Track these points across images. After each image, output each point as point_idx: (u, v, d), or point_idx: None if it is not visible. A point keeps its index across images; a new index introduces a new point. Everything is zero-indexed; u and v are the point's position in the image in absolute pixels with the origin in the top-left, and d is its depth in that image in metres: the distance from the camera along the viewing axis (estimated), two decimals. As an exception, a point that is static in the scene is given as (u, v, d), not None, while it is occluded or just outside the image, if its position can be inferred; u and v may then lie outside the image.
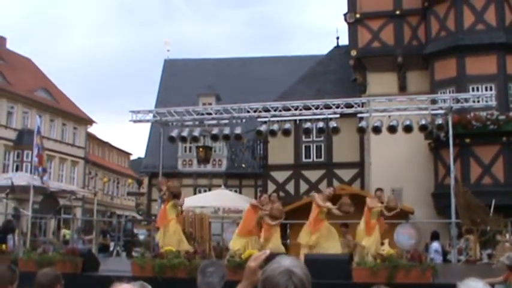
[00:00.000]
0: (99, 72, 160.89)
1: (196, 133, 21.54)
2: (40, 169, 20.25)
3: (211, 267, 4.79)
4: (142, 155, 50.48)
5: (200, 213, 20.29)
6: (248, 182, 41.65)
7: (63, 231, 30.22)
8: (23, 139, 43.33)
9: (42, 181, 20.30)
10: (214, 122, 22.04)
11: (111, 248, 24.86)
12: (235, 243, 15.29)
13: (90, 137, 57.53)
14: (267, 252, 2.92)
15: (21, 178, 25.84)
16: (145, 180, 50.62)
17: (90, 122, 54.92)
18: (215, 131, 21.32)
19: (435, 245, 19.59)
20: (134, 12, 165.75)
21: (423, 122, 19.46)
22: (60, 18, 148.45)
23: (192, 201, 25.82)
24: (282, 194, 28.12)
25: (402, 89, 26.65)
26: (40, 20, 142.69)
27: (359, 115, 20.41)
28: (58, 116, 50.24)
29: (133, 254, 21.22)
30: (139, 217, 55.62)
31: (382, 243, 16.23)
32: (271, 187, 28.85)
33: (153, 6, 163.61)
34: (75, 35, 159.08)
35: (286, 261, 2.56)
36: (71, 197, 32.35)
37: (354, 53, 27.55)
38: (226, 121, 21.78)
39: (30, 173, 23.31)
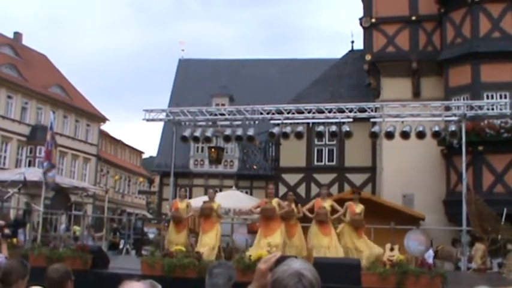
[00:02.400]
0: (114, 71, 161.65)
1: (208, 133, 21.55)
2: (45, 164, 20.28)
3: (219, 269, 4.80)
4: (154, 153, 50.69)
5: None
6: (259, 183, 41.69)
7: (74, 227, 30.35)
8: (36, 135, 43.56)
9: (46, 176, 20.29)
10: (227, 122, 22.02)
11: (121, 246, 24.92)
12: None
13: (103, 135, 57.71)
14: (278, 254, 2.92)
15: (34, 173, 25.97)
16: (157, 179, 50.82)
17: (103, 119, 55.12)
18: (228, 131, 21.32)
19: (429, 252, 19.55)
20: (149, 11, 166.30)
21: (436, 128, 19.38)
22: (76, 15, 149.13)
23: (201, 202, 25.88)
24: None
25: (416, 94, 26.58)
26: (56, 16, 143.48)
27: (372, 120, 20.35)
28: (71, 112, 50.44)
29: (143, 252, 21.30)
30: (149, 216, 55.82)
31: (392, 249, 16.23)
32: (282, 190, 28.84)
33: (168, 6, 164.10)
34: (90, 33, 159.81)
35: (296, 264, 2.57)
36: (82, 194, 32.48)
37: (368, 57, 27.51)
38: (239, 122, 21.77)
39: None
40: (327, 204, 15.89)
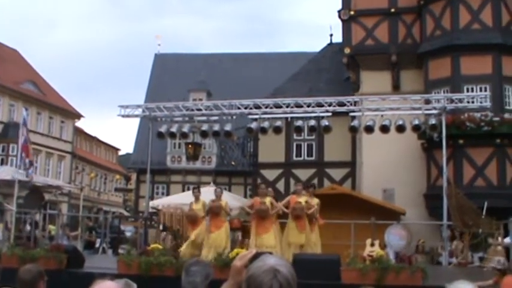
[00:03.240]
0: (89, 66, 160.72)
1: (185, 129, 21.48)
2: (27, 160, 20.15)
3: (195, 266, 4.79)
4: (130, 150, 50.45)
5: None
6: (238, 179, 41.72)
7: (49, 227, 30.13)
8: (9, 132, 43.05)
9: (27, 174, 20.19)
10: (204, 118, 21.98)
11: (97, 245, 24.80)
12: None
13: (78, 131, 57.33)
14: (253, 251, 2.91)
15: (6, 172, 25.76)
16: (134, 176, 50.66)
17: (78, 116, 54.74)
18: (205, 127, 21.27)
19: None
20: (124, 4, 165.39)
21: (416, 122, 19.48)
22: (48, 8, 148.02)
23: (180, 199, 25.82)
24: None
25: (396, 88, 26.68)
26: (28, 10, 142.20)
27: (351, 114, 20.40)
28: (45, 109, 50.03)
29: (120, 251, 21.21)
30: (126, 214, 55.59)
31: (373, 244, 16.30)
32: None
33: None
34: (63, 27, 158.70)
35: (271, 260, 2.56)
36: (56, 192, 32.26)
37: (347, 50, 27.55)
38: (217, 117, 21.74)
39: (15, 167, 23.19)
40: (302, 200, 15.99)
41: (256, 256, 2.74)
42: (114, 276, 3.25)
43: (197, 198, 17.29)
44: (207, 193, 25.39)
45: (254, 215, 16.02)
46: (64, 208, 46.23)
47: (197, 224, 16.76)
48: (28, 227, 25.03)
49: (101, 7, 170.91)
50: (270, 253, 2.81)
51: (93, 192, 60.09)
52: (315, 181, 28.19)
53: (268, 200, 15.99)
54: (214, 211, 16.41)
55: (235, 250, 13.43)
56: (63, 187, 34.78)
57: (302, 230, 15.70)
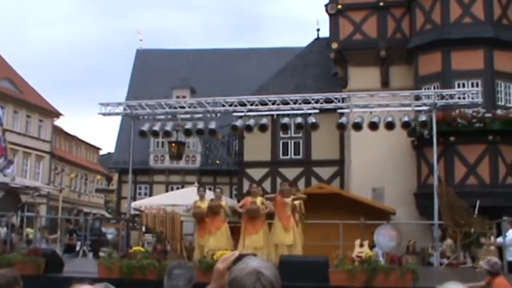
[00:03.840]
0: (68, 63, 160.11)
1: (168, 127, 21.44)
2: (1, 160, 20.01)
3: (178, 270, 4.76)
4: (112, 150, 50.24)
5: (171, 211, 20.23)
6: (223, 179, 41.65)
7: (26, 230, 29.97)
8: (-16, 132, 42.79)
9: (5, 173, 20.05)
10: (188, 116, 21.95)
11: (77, 248, 24.68)
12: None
13: (57, 130, 57.02)
14: (236, 253, 2.89)
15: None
16: (115, 177, 50.45)
17: (56, 114, 54.43)
18: (188, 125, 21.23)
19: None
20: (105, 1, 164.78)
21: (406, 118, 19.52)
22: (26, 4, 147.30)
23: (163, 199, 25.78)
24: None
25: (385, 84, 26.73)
26: (4, 6, 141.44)
27: (339, 111, 20.44)
28: (22, 107, 49.71)
29: (101, 254, 21.12)
30: (108, 215, 55.41)
31: (362, 245, 16.32)
32: (246, 185, 28.82)
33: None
34: (40, 23, 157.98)
35: (254, 262, 2.54)
36: (34, 194, 32.06)
37: (334, 45, 27.57)
38: (201, 115, 21.72)
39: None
40: (289, 199, 16.01)
41: (240, 258, 2.73)
42: (93, 281, 3.22)
43: (202, 197, 17.58)
44: (191, 193, 25.42)
45: (245, 215, 16.06)
46: (42, 210, 45.96)
47: (204, 221, 16.84)
48: (4, 230, 24.87)
49: (80, 2, 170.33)
50: (254, 255, 2.80)
51: (73, 194, 59.82)
52: (303, 180, 28.22)
53: (259, 199, 16.02)
54: (214, 211, 16.50)
55: (219, 252, 13.40)
56: (41, 188, 34.57)
57: (287, 229, 15.68)
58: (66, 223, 28.23)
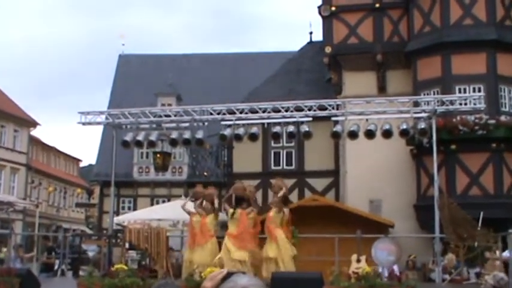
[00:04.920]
0: (45, 69, 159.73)
1: (153, 137, 21.39)
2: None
3: (164, 288, 4.73)
4: (93, 161, 50.16)
5: (157, 226, 20.17)
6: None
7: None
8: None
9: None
10: (174, 125, 21.95)
11: (56, 267, 24.57)
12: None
13: (34, 141, 56.83)
14: (225, 271, 2.89)
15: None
16: (97, 190, 50.23)
17: (33, 123, 54.28)
18: (174, 135, 21.20)
19: None
20: (84, 1, 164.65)
21: (404, 126, 19.52)
22: None
23: (148, 214, 25.74)
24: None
25: (381, 89, 26.79)
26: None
27: (333, 118, 20.42)
28: (-4, 117, 49.60)
29: (81, 273, 21.02)
30: (89, 231, 55.23)
31: (359, 260, 16.30)
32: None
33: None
34: (15, 26, 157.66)
35: (242, 280, 2.54)
36: (8, 210, 31.91)
37: (328, 49, 27.63)
38: (187, 124, 21.71)
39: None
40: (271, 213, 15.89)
41: (228, 276, 2.72)
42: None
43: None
44: (178, 207, 25.38)
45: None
46: (18, 227, 45.75)
47: (195, 233, 16.77)
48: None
49: (56, 2, 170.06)
50: (243, 273, 2.79)
51: (51, 209, 59.61)
52: (296, 192, 28.22)
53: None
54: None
55: (208, 269, 13.36)
56: (16, 203, 34.41)
57: (270, 240, 15.57)
58: (43, 240, 28.15)
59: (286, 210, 15.74)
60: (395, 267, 18.66)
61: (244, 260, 14.69)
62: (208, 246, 15.92)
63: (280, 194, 15.78)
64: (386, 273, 15.93)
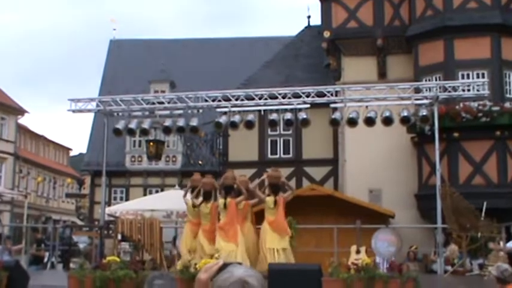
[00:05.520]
0: (33, 54, 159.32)
1: (146, 125, 21.40)
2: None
3: (160, 280, 4.77)
4: (84, 150, 50.07)
5: (150, 217, 20.19)
6: (206, 181, 41.53)
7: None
8: None
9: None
10: (167, 112, 21.94)
11: (46, 260, 24.60)
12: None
13: (21, 129, 56.71)
14: (220, 262, 2.90)
15: None
16: (87, 180, 50.25)
17: (21, 111, 54.15)
18: (168, 122, 21.21)
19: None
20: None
21: (405, 113, 19.56)
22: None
23: (141, 204, 25.74)
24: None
25: (382, 75, 26.78)
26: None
27: (332, 105, 20.44)
28: (-18, 104, 49.48)
29: (71, 265, 21.07)
30: (79, 222, 55.24)
31: (358, 251, 16.34)
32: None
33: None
34: (2, 10, 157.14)
35: (239, 271, 2.55)
36: (-5, 200, 31.91)
37: (327, 34, 27.58)
38: (181, 111, 21.73)
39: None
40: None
41: (224, 267, 2.73)
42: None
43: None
44: (172, 197, 25.41)
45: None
46: (5, 218, 45.77)
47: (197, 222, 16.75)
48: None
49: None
50: (239, 263, 2.80)
51: (40, 199, 59.55)
52: (293, 181, 28.21)
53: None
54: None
55: (203, 261, 13.38)
56: (3, 194, 34.43)
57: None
58: (32, 232, 28.11)
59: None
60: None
61: (214, 254, 14.66)
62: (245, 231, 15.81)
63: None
64: (386, 265, 15.95)
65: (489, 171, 23.56)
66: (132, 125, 21.22)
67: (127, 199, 39.69)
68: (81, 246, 29.30)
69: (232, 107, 20.51)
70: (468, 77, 23.55)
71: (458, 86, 20.01)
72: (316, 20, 32.31)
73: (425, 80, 23.85)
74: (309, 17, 34.67)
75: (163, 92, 38.49)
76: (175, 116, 22.42)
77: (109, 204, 34.83)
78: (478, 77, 23.42)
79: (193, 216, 16.34)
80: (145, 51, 47.96)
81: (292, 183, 27.43)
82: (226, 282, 2.52)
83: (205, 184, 16.09)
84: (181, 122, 21.13)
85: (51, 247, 24.24)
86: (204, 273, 2.82)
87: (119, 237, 21.88)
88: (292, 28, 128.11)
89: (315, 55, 30.92)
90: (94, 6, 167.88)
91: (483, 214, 17.62)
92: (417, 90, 20.70)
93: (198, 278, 2.83)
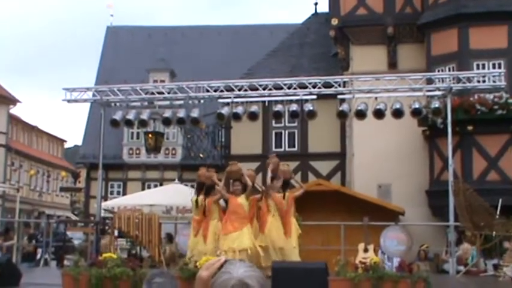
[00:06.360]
0: (26, 41, 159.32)
1: (144, 116, 21.38)
2: None
3: (160, 278, 4.79)
4: (79, 142, 50.14)
5: (149, 212, 20.24)
6: (207, 175, 41.57)
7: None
8: None
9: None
10: (167, 102, 21.94)
11: (38, 256, 24.66)
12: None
13: (13, 120, 56.76)
14: (222, 259, 2.90)
15: None
16: (83, 173, 50.34)
17: (13, 101, 54.15)
18: (167, 113, 21.19)
19: None
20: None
21: (416, 105, 19.49)
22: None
23: (139, 199, 25.80)
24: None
25: (392, 65, 26.76)
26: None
27: (340, 96, 20.43)
28: (-29, 93, 49.51)
29: (66, 262, 21.10)
30: (74, 217, 55.32)
31: (366, 250, 16.35)
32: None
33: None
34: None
35: (239, 270, 2.55)
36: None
37: (335, 21, 27.56)
38: (181, 102, 21.70)
39: None
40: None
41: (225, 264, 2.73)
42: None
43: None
44: (171, 191, 25.45)
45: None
46: (-4, 213, 45.88)
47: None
48: None
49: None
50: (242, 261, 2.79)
51: (33, 193, 59.65)
52: (298, 176, 28.22)
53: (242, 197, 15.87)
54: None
55: (204, 258, 13.39)
56: (-5, 187, 34.47)
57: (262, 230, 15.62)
58: (24, 227, 28.18)
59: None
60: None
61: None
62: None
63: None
64: (395, 264, 15.96)
65: (505, 166, 23.54)
66: (130, 116, 21.20)
67: (124, 193, 39.76)
68: (76, 242, 29.37)
69: (235, 97, 20.48)
70: (483, 68, 23.52)
71: (473, 77, 19.95)
72: (323, 7, 32.40)
73: (438, 71, 23.83)
74: (316, 3, 34.71)
75: (162, 81, 38.49)
76: (176, 106, 22.43)
77: (105, 198, 34.85)
78: (494, 67, 23.36)
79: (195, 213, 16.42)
80: (144, 38, 47.99)
81: (298, 178, 27.50)
82: (225, 284, 2.51)
83: (232, 172, 16.12)
84: (181, 113, 21.10)
85: (45, 243, 24.29)
86: (206, 271, 2.82)
87: (116, 233, 21.92)
88: (298, 15, 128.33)
89: (322, 44, 30.93)
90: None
91: (498, 212, 17.61)
92: (429, 81, 20.68)
93: (199, 275, 2.82)
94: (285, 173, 16.06)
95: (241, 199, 15.40)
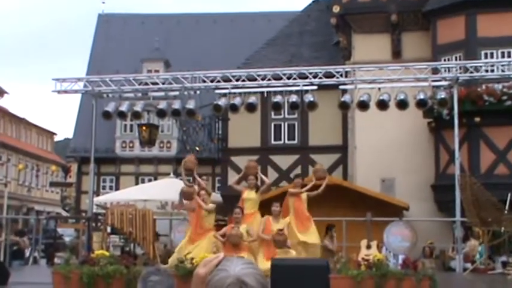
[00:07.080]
0: (12, 30, 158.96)
1: (138, 108, 21.39)
2: None
3: (155, 276, 4.78)
4: (69, 135, 50.19)
5: (142, 208, 20.23)
6: (204, 169, 41.54)
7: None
8: None
9: None
10: (161, 94, 21.95)
11: (27, 254, 24.67)
12: None
13: (1, 112, 56.83)
14: (221, 256, 2.89)
15: None
16: (74, 167, 50.39)
17: (0, 92, 54.21)
18: (162, 105, 21.21)
19: None
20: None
21: (421, 96, 19.49)
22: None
23: (132, 194, 25.78)
24: (245, 183, 28.09)
25: (396, 54, 26.72)
26: None
27: (341, 87, 20.43)
28: (-42, 85, 49.52)
29: (56, 260, 21.12)
30: (65, 214, 55.38)
31: (369, 246, 16.37)
32: (232, 175, 28.82)
33: None
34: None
35: (236, 268, 2.55)
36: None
37: (336, 9, 27.50)
38: (177, 93, 21.72)
39: None
40: (280, 226, 15.74)
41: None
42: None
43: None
44: (166, 186, 25.46)
45: (225, 244, 15.81)
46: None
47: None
48: None
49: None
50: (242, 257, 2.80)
51: (21, 188, 59.64)
52: (298, 169, 28.23)
53: (243, 227, 15.86)
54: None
55: (201, 255, 13.42)
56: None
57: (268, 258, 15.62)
58: (13, 224, 28.18)
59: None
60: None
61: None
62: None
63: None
64: (400, 261, 15.99)
65: (513, 159, 23.55)
66: (123, 108, 21.20)
67: (117, 188, 39.78)
68: (67, 239, 29.43)
69: (232, 88, 20.48)
70: (492, 57, 23.49)
71: (481, 66, 19.97)
72: (324, -6, 32.24)
73: (444, 60, 23.79)
74: (316, -10, 34.63)
75: (157, 71, 38.59)
76: (170, 98, 22.42)
77: (97, 194, 34.91)
78: (502, 56, 23.37)
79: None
80: (138, 27, 47.99)
81: (297, 171, 27.53)
82: (222, 282, 2.51)
83: (250, 168, 16.43)
84: (176, 105, 21.11)
85: (34, 240, 24.31)
86: (203, 268, 2.82)
87: (108, 229, 21.96)
88: (297, 2, 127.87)
89: (323, 32, 30.88)
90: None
91: (507, 207, 17.61)
92: (435, 71, 20.66)
93: (197, 272, 2.82)
94: (249, 168, 16.20)
95: (249, 193, 15.62)
